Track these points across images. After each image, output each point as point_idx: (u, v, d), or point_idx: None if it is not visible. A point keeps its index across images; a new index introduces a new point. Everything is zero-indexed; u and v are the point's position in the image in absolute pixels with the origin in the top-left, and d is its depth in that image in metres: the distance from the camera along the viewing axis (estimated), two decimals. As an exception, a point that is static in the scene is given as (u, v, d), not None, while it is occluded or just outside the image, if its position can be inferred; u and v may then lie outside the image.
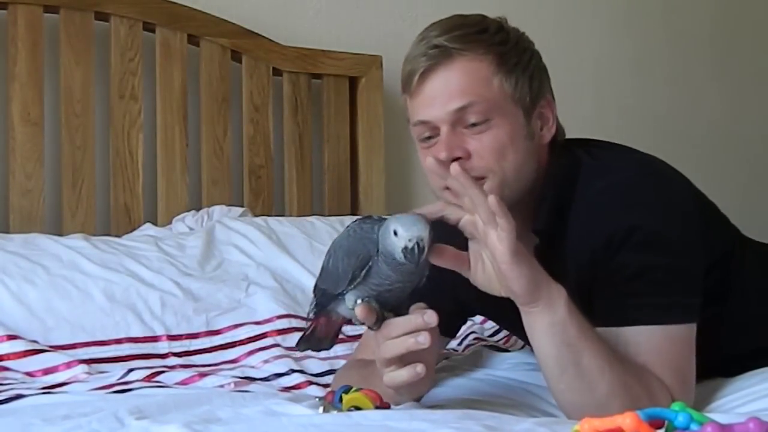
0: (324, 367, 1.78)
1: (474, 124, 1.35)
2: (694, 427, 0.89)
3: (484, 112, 1.35)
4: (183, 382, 1.61)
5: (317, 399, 1.28)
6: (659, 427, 0.90)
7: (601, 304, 1.35)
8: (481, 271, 1.26)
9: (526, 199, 1.39)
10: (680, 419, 0.90)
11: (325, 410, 1.22)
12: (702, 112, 3.33)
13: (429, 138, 1.38)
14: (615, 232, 1.32)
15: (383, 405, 1.24)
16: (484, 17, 1.42)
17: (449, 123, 1.36)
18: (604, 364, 1.25)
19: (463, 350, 1.90)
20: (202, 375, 1.64)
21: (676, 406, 0.92)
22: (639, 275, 1.32)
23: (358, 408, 1.21)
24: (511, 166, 1.36)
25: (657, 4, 3.28)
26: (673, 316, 1.32)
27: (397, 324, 1.26)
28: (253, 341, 1.85)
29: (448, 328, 1.58)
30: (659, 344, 1.30)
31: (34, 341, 1.71)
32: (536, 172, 1.40)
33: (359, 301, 1.28)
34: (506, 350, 1.84)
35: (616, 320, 1.32)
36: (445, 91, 1.36)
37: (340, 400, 1.24)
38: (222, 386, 1.59)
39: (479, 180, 1.34)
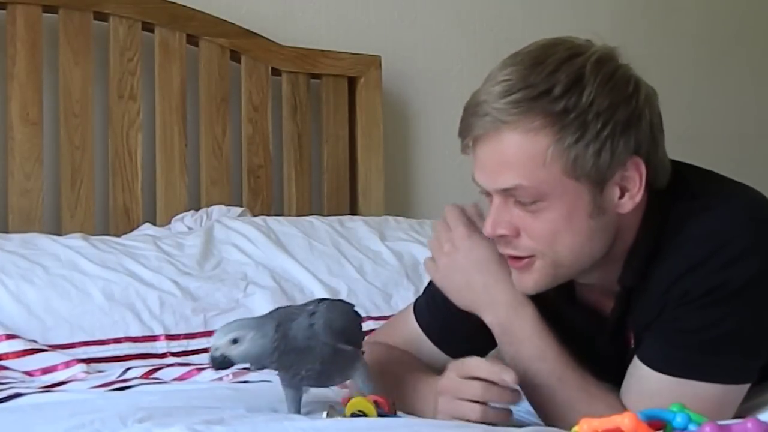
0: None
1: (524, 202, 1.22)
2: (692, 427, 0.89)
3: (532, 195, 1.21)
4: (181, 377, 1.61)
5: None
6: (658, 429, 0.90)
7: (653, 344, 1.26)
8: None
9: (613, 251, 1.26)
10: (678, 420, 0.90)
11: (329, 415, 1.22)
12: (701, 112, 3.33)
13: (488, 194, 1.29)
14: (693, 288, 1.22)
15: (389, 411, 1.24)
16: (564, 60, 1.22)
17: (499, 196, 1.24)
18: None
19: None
20: (200, 369, 1.65)
21: (674, 406, 0.92)
22: (704, 330, 1.22)
23: (362, 412, 1.20)
24: (566, 250, 1.23)
25: (656, 3, 3.28)
26: (730, 376, 1.24)
27: (479, 367, 1.22)
28: (252, 341, 1.85)
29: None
30: (709, 401, 1.22)
31: (33, 341, 1.71)
32: (609, 243, 1.25)
33: None
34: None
35: (665, 366, 1.24)
36: (493, 166, 1.23)
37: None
38: (220, 379, 1.59)
39: (528, 258, 1.25)
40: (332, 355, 1.23)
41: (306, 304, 1.28)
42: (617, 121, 1.20)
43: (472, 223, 1.35)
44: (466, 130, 1.24)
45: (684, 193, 1.27)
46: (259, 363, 1.23)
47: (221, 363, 1.21)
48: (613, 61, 1.25)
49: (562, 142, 1.19)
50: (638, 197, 1.24)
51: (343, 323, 1.25)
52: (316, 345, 1.22)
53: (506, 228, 1.24)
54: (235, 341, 1.20)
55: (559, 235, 1.22)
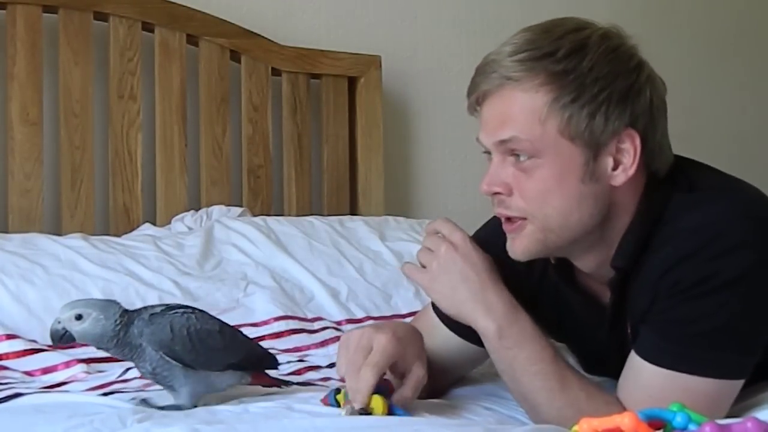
0: (324, 361, 1.77)
1: (520, 159, 1.26)
2: (692, 427, 0.89)
3: (528, 149, 1.25)
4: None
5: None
6: (658, 428, 0.90)
7: (647, 335, 1.26)
8: None
9: (609, 233, 1.29)
10: (678, 419, 0.90)
11: (347, 413, 1.21)
12: (699, 112, 3.33)
13: (489, 153, 1.32)
14: (684, 278, 1.23)
15: (391, 392, 1.24)
16: (571, 30, 1.29)
17: (498, 152, 1.28)
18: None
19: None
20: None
21: (674, 406, 0.92)
22: (696, 322, 1.22)
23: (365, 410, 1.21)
24: (555, 212, 1.26)
25: (654, 3, 3.28)
26: (722, 371, 1.23)
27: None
28: (251, 342, 1.85)
29: None
30: (700, 395, 1.22)
31: (33, 341, 1.71)
32: (600, 215, 1.27)
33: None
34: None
35: (657, 358, 1.24)
36: (494, 120, 1.28)
37: (336, 401, 1.25)
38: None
39: (520, 220, 1.28)
40: (162, 363, 1.24)
41: (167, 308, 1.28)
42: (614, 89, 1.25)
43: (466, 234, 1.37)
44: (474, 87, 1.30)
45: (682, 186, 1.30)
46: (98, 344, 1.24)
47: (61, 337, 1.22)
48: (620, 38, 1.31)
49: (558, 100, 1.24)
50: (631, 171, 1.26)
51: (165, 337, 1.24)
52: (147, 348, 1.24)
53: (500, 186, 1.28)
54: (79, 317, 1.21)
55: (549, 195, 1.25)
